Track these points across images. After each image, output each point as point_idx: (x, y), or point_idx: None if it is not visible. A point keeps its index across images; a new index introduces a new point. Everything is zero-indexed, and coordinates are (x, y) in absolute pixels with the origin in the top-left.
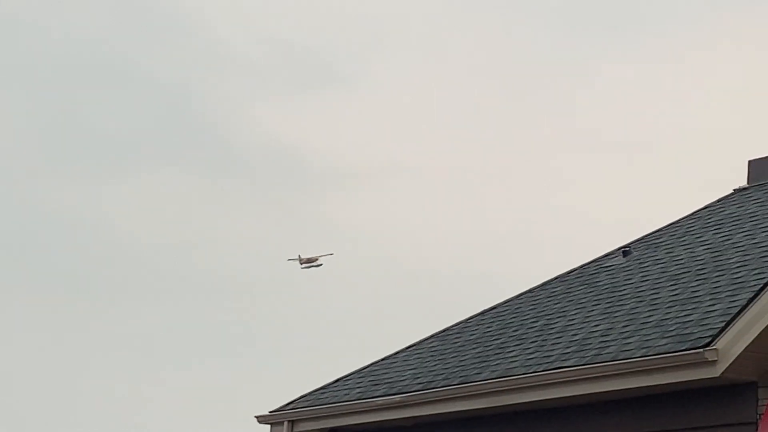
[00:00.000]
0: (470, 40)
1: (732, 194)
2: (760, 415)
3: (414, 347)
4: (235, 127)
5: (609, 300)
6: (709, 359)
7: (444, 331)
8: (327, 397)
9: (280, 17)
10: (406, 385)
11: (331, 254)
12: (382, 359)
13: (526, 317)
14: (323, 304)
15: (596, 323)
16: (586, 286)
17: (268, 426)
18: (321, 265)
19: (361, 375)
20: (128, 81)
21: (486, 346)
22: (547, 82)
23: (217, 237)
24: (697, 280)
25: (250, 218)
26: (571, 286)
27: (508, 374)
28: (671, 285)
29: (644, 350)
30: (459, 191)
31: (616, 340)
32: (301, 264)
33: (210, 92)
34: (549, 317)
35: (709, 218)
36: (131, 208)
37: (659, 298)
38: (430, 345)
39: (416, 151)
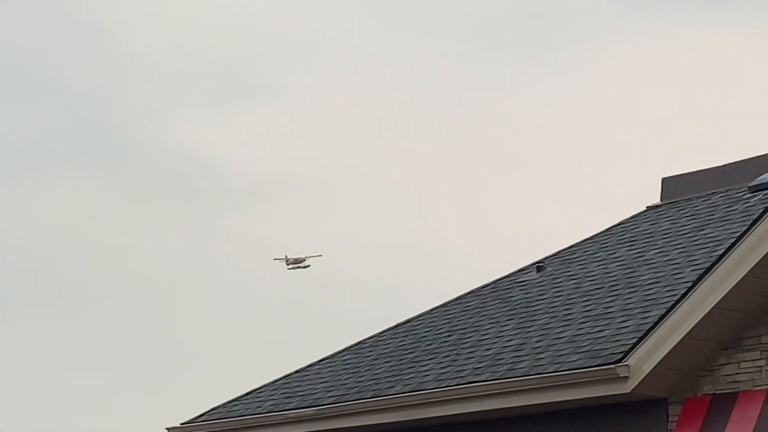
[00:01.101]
0: (384, 55)
1: (645, 211)
2: (670, 431)
3: (327, 360)
4: (149, 137)
5: (522, 315)
6: (621, 375)
7: (357, 344)
8: (239, 410)
9: (197, 29)
10: (319, 398)
11: (320, 255)
12: (296, 372)
13: (439, 331)
14: (236, 315)
15: (509, 338)
16: (499, 301)
17: None
18: (309, 266)
19: (273, 387)
20: (42, 90)
21: (399, 360)
22: (463, 97)
23: (129, 247)
24: (609, 297)
25: (162, 228)
26: (485, 300)
27: (421, 388)
28: (584, 301)
29: (556, 366)
30: (373, 203)
31: (528, 355)
32: (288, 264)
33: (124, 102)
34: (462, 332)
35: (623, 235)
36: (41, 218)
37: (572, 313)
38: (344, 358)
39: (330, 163)
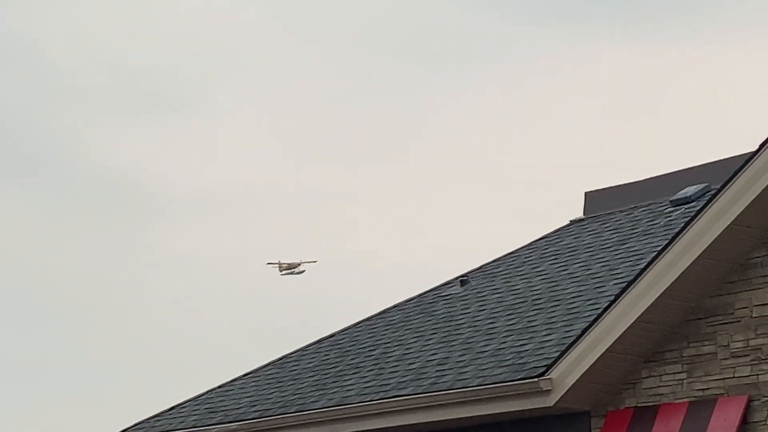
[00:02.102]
0: (305, 67)
1: (568, 225)
2: None
3: (251, 374)
4: (70, 151)
5: (446, 329)
6: (544, 388)
7: (282, 358)
8: (162, 425)
9: (116, 41)
10: (243, 413)
11: (315, 261)
12: (219, 386)
13: (363, 345)
14: (161, 329)
15: (433, 352)
16: (423, 315)
17: None
18: (303, 271)
19: (197, 402)
20: None
21: (323, 374)
22: (385, 109)
23: (50, 263)
24: (533, 310)
25: (83, 245)
26: (409, 314)
27: (345, 402)
28: (508, 315)
29: (480, 379)
30: (297, 216)
31: (452, 369)
32: (281, 270)
33: (43, 116)
34: (387, 346)
35: (546, 249)
36: None
37: (496, 327)
38: (268, 372)
39: (253, 177)
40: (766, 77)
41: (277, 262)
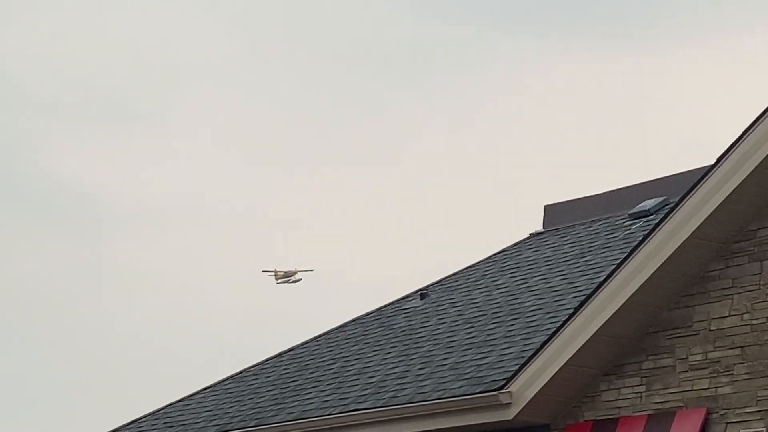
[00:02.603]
0: (267, 82)
1: (528, 238)
2: None
3: (210, 389)
4: (30, 165)
5: (406, 342)
6: (503, 402)
7: (241, 372)
8: None
9: (71, 55)
10: (202, 428)
11: (312, 270)
12: (178, 401)
13: (323, 359)
14: (123, 343)
15: (393, 366)
16: (383, 328)
17: None
18: (300, 280)
19: (155, 417)
20: None
21: (283, 388)
22: (343, 124)
23: (9, 278)
24: (492, 324)
25: (45, 259)
26: (369, 328)
27: (305, 416)
28: (467, 328)
29: (440, 393)
30: (255, 232)
31: (412, 382)
32: (277, 279)
33: (2, 130)
34: (346, 359)
35: (506, 262)
36: None
37: (455, 340)
38: (227, 387)
39: (215, 191)
40: (724, 91)
41: (272, 270)
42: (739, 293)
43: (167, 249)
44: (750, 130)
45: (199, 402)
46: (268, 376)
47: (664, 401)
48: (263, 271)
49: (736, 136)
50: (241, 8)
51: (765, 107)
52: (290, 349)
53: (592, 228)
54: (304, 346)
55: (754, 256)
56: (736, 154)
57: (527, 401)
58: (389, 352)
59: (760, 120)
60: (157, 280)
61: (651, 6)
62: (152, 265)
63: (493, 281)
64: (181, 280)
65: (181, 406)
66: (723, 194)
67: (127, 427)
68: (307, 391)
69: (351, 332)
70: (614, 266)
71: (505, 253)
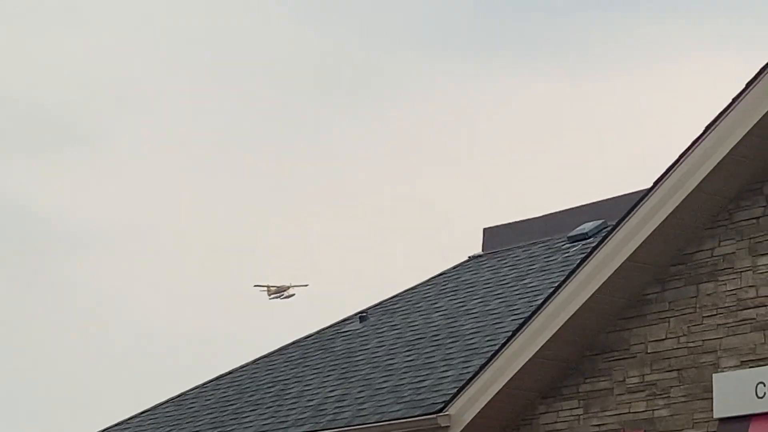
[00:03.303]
0: (207, 104)
1: (467, 261)
2: None
3: (149, 412)
4: None
5: (345, 365)
6: (442, 425)
7: (180, 396)
8: None
9: (16, 76)
10: None
11: (306, 285)
12: (116, 425)
13: (262, 382)
14: (54, 365)
15: (332, 389)
16: (322, 351)
17: None
18: (293, 295)
19: None
20: None
21: (221, 412)
22: (283, 144)
23: None
24: (431, 346)
25: None
26: (308, 351)
27: None
28: (406, 351)
29: (378, 416)
30: (197, 251)
31: (351, 405)
32: (270, 294)
33: None
34: (285, 382)
35: (445, 285)
36: None
37: (394, 363)
38: (165, 410)
39: (155, 213)
40: (663, 116)
41: (265, 285)
42: (676, 316)
43: (106, 270)
44: (686, 155)
45: (138, 426)
46: (207, 400)
47: (602, 424)
48: (255, 286)
49: (673, 161)
50: (182, 31)
51: (700, 132)
52: (229, 372)
53: (530, 251)
54: (243, 369)
55: (690, 280)
56: (672, 178)
57: (465, 424)
58: (328, 375)
59: (696, 144)
60: (95, 301)
61: (591, 31)
62: (95, 286)
63: (432, 304)
64: (118, 300)
65: (118, 430)
66: (659, 218)
67: None
68: (246, 415)
69: (290, 355)
70: (552, 289)
71: (444, 275)
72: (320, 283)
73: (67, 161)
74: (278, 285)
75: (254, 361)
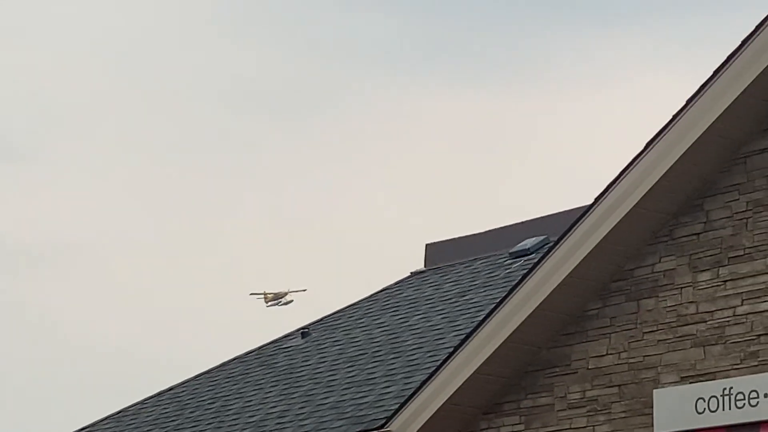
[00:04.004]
0: (140, 120)
1: (409, 277)
2: None
3: (88, 428)
4: None
5: (287, 381)
6: None
7: (120, 412)
8: None
9: None
10: None
11: (304, 290)
12: None
13: (203, 398)
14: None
15: (273, 405)
16: (264, 367)
17: None
18: (291, 301)
19: None
20: None
21: (162, 428)
22: (220, 160)
23: None
24: (373, 362)
25: None
26: (250, 367)
27: None
28: (348, 367)
29: None
30: (136, 270)
31: (292, 421)
32: (267, 301)
33: None
34: (226, 398)
35: (387, 300)
36: None
37: (336, 379)
38: (106, 427)
39: (93, 230)
40: (604, 132)
41: (262, 292)
42: (617, 332)
43: (42, 288)
44: (627, 172)
45: None
46: (148, 416)
47: None
48: (251, 294)
49: (614, 177)
50: (121, 47)
51: (641, 149)
52: (170, 389)
53: (473, 266)
54: (184, 385)
55: (631, 296)
56: (613, 195)
57: None
58: (270, 391)
59: (637, 161)
60: (31, 320)
61: (534, 47)
62: (30, 304)
63: (374, 320)
64: (55, 317)
65: None
66: (600, 234)
67: None
68: (187, 431)
69: (231, 371)
70: (494, 305)
71: (386, 291)
72: (255, 303)
73: (7, 178)
74: (275, 292)
75: (195, 377)
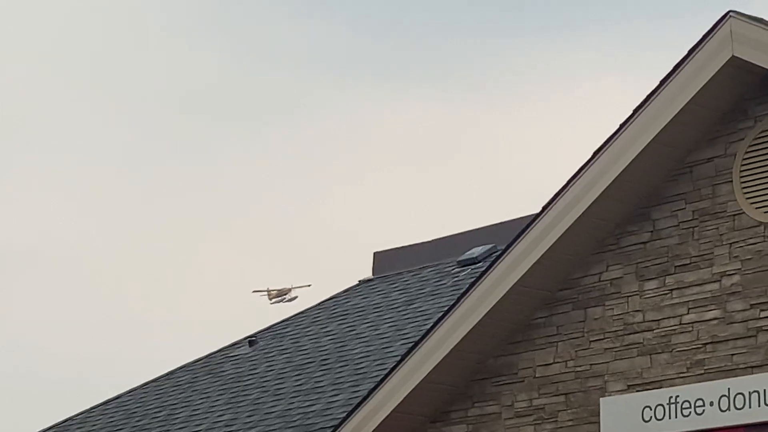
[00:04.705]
0: (91, 129)
1: (357, 285)
2: None
3: None
4: None
5: (234, 390)
6: None
7: (66, 421)
8: None
9: None
10: None
11: (309, 285)
12: None
13: (150, 407)
14: None
15: (220, 413)
16: (211, 375)
17: None
18: (296, 297)
19: None
20: None
21: None
22: (167, 169)
23: None
24: (321, 371)
25: None
26: (197, 375)
27: None
28: (296, 375)
29: None
30: (80, 279)
31: (240, 430)
32: (271, 298)
33: None
34: (173, 407)
35: (335, 309)
36: None
37: (284, 388)
38: None
39: (46, 238)
40: (551, 140)
41: (264, 290)
42: (564, 341)
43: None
44: (574, 180)
45: None
46: (94, 425)
47: None
48: (254, 291)
49: (561, 186)
50: (82, 54)
51: (588, 158)
52: (117, 397)
53: (421, 275)
54: (131, 393)
55: (578, 304)
56: (560, 204)
57: None
58: (217, 400)
59: (584, 170)
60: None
61: (485, 56)
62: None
63: (322, 328)
64: (6, 327)
65: None
66: (548, 243)
67: None
68: None
69: (179, 379)
70: (442, 313)
71: (334, 299)
72: (210, 308)
73: None
74: (278, 288)
75: (142, 386)
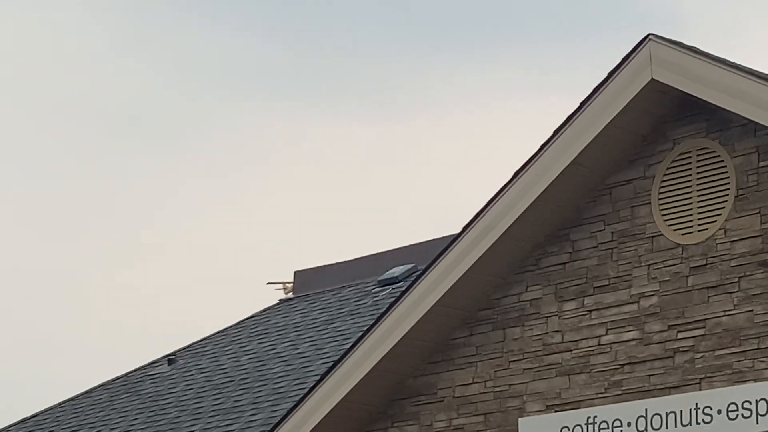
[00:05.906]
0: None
1: (278, 304)
2: None
3: None
4: None
5: (152, 409)
6: None
7: None
8: None
9: None
10: None
11: None
12: None
13: (67, 426)
14: None
15: None
16: (130, 394)
17: None
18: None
19: None
20: None
21: None
22: (86, 187)
23: None
24: (240, 390)
25: None
26: (115, 394)
27: None
28: (215, 394)
29: None
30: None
31: None
32: (286, 291)
33: None
34: (91, 426)
35: (255, 327)
36: None
37: (202, 407)
38: None
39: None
40: (472, 160)
41: (280, 282)
42: (483, 361)
43: None
44: (494, 201)
45: None
46: None
47: None
48: (268, 284)
49: (481, 206)
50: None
51: (509, 178)
52: (34, 416)
53: (341, 294)
54: (49, 411)
55: (498, 324)
56: (480, 224)
57: None
58: (135, 419)
59: (504, 191)
60: None
61: (402, 74)
62: None
63: (241, 347)
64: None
65: None
66: (468, 263)
67: None
68: None
69: (97, 398)
70: (361, 333)
71: (254, 318)
72: (127, 329)
73: None
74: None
75: (60, 404)
